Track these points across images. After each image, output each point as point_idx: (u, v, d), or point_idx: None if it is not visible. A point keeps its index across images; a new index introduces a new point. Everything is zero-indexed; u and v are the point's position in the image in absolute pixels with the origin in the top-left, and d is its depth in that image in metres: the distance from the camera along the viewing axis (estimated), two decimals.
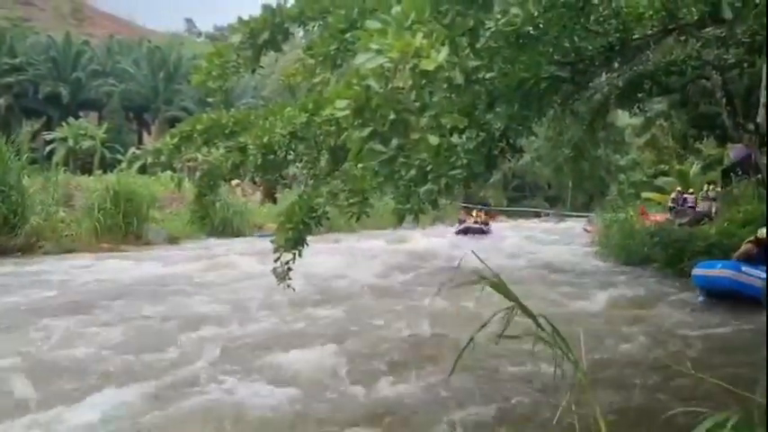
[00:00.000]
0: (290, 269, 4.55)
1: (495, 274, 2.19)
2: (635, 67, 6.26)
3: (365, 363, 6.34)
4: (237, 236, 24.55)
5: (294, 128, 4.23)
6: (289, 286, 4.62)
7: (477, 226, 29.47)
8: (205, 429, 4.66)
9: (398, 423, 4.97)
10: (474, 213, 32.19)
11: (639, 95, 7.18)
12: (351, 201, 3.67)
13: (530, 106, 3.22)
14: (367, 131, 1.89)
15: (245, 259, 15.05)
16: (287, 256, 4.46)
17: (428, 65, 1.59)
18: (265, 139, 4.32)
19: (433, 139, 1.95)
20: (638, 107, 10.45)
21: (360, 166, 3.28)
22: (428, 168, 2.80)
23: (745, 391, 2.50)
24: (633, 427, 4.64)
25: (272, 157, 4.36)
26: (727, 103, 14.26)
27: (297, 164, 4.79)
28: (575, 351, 2.18)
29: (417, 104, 1.84)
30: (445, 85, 1.85)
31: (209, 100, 4.35)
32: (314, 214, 4.25)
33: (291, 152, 4.42)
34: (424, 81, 1.66)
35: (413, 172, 2.78)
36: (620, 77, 6.33)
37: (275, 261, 4.51)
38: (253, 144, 4.38)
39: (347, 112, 1.88)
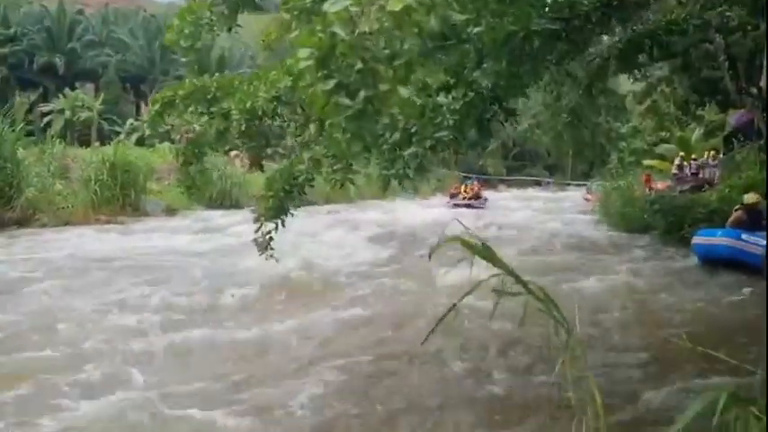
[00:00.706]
0: (271, 239, 4.42)
1: (483, 241, 2.07)
2: (634, 27, 6.06)
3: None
4: (236, 207, 24.42)
5: (278, 92, 4.07)
6: (271, 257, 4.50)
7: (464, 202, 27.26)
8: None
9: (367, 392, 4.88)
10: (463, 188, 29.42)
11: (639, 57, 6.97)
12: (335, 168, 3.52)
13: (519, 62, 3.05)
14: (332, 83, 1.75)
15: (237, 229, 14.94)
16: (269, 226, 4.33)
17: (395, 5, 1.44)
18: (248, 104, 4.16)
19: (404, 92, 1.81)
20: (639, 71, 10.24)
21: (337, 131, 3.11)
22: (413, 130, 2.66)
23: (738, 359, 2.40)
24: (627, 397, 4.57)
25: (256, 123, 4.20)
26: (730, 66, 14.01)
27: (286, 130, 4.63)
28: (569, 320, 2.07)
29: (387, 52, 1.70)
30: (416, 30, 1.70)
31: (183, 60, 4.17)
32: (295, 181, 4.10)
33: (277, 117, 4.27)
34: (392, 25, 1.51)
35: (397, 135, 2.64)
36: (619, 38, 6.13)
37: (256, 231, 4.38)
38: (236, 109, 4.22)
39: (310, 62, 1.73)
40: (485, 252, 2.05)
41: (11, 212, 17.37)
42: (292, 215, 4.38)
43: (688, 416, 2.00)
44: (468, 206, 26.08)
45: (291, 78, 4.00)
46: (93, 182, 19.99)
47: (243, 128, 4.24)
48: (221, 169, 25.48)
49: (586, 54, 5.09)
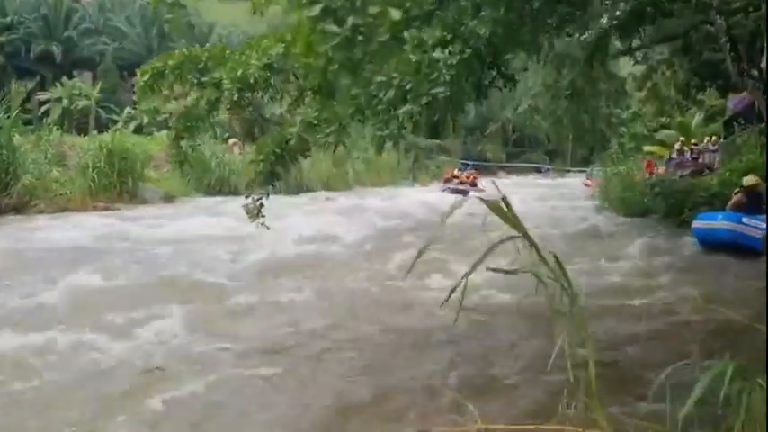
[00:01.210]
0: (262, 205, 4.31)
1: (503, 196, 1.97)
2: None
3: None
4: (234, 194, 24.33)
5: (270, 59, 3.96)
6: (262, 224, 4.39)
7: (460, 187, 25.27)
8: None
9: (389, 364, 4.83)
10: (456, 172, 28.13)
11: (642, 27, 6.83)
12: (327, 130, 3.41)
13: (520, 22, 2.92)
14: (318, 8, 1.65)
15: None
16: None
17: None
18: (239, 73, 4.05)
19: (395, 13, 1.71)
20: (639, 51, 10.10)
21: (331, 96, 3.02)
22: (408, 88, 2.56)
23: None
24: (625, 372, 4.50)
25: (248, 94, 4.09)
26: (731, 48, 13.84)
27: (278, 101, 4.52)
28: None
29: None
30: None
31: (167, 17, 4.05)
32: (287, 146, 3.98)
33: (270, 88, 4.16)
34: None
35: (391, 93, 2.54)
36: (621, 7, 6.01)
37: (246, 197, 4.28)
38: (228, 78, 4.11)
39: None
40: (504, 213, 1.95)
41: (8, 199, 17.31)
42: (280, 179, 4.26)
43: (700, 388, 1.94)
44: (462, 192, 24.19)
45: (284, 45, 3.91)
46: (90, 169, 19.91)
47: (235, 98, 4.14)
48: (219, 156, 25.40)
49: (586, 19, 4.97)
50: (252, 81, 4.05)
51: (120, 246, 11.27)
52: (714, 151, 19.74)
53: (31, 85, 42.86)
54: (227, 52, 4.53)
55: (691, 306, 6.26)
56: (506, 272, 2.00)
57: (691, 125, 24.68)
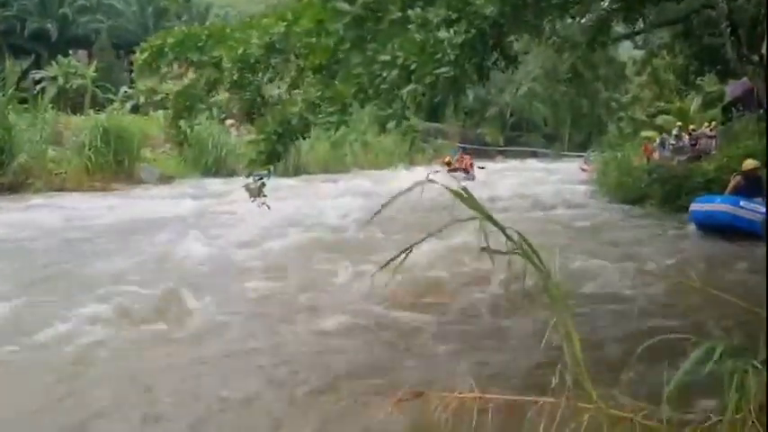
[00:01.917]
0: (263, 185, 4.29)
1: (463, 187, 1.99)
2: None
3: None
4: (231, 176, 24.26)
5: (271, 38, 3.92)
6: (264, 204, 4.37)
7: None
8: None
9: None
10: (449, 159, 26.38)
11: (644, 8, 6.79)
12: (329, 110, 3.38)
13: (524, 3, 2.89)
14: None
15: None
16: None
17: None
18: (240, 51, 4.01)
19: None
20: (640, 35, 10.05)
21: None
22: (412, 68, 2.54)
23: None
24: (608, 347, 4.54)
25: (249, 74, 4.05)
26: (732, 33, 13.77)
27: (277, 82, 4.49)
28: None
29: None
30: None
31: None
32: (288, 125, 3.95)
33: (270, 68, 4.12)
34: None
35: (395, 72, 2.52)
36: None
37: (247, 177, 4.26)
38: (228, 57, 4.07)
39: None
40: (469, 201, 1.97)
41: (3, 178, 17.24)
42: (281, 159, 4.23)
43: (686, 367, 1.95)
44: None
45: (285, 24, 3.86)
46: (86, 148, 19.81)
47: (235, 77, 4.10)
48: (217, 137, 25.27)
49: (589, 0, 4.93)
50: (252, 61, 4.03)
51: None
52: (711, 137, 19.72)
53: (25, 63, 42.45)
54: (228, 30, 4.49)
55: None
56: (500, 253, 2.00)
57: (689, 110, 24.64)
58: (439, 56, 2.48)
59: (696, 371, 1.80)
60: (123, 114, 25.01)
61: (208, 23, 4.89)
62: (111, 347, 4.72)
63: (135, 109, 34.78)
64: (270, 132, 3.94)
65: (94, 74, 41.79)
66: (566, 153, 39.50)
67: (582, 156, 32.77)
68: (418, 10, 2.39)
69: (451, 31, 2.45)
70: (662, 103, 25.66)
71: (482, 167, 25.77)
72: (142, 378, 4.20)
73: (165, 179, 22.10)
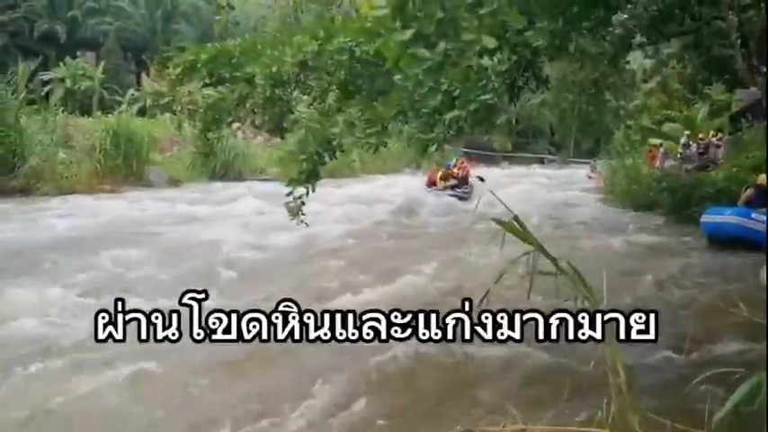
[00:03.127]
0: (303, 203, 4.36)
1: (513, 215, 2.04)
2: None
3: None
4: (238, 179, 24.36)
5: (305, 56, 4.00)
6: (302, 221, 4.45)
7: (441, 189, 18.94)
8: None
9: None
10: (441, 175, 20.22)
11: (669, 26, 6.85)
12: (368, 131, 3.46)
13: (574, 22, 2.97)
14: (409, 34, 1.68)
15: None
16: (300, 191, 4.26)
17: None
18: (274, 69, 4.09)
19: (489, 41, 1.75)
20: (650, 45, 10.09)
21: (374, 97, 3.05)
22: (456, 94, 2.61)
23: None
24: (656, 372, 4.57)
25: (279, 90, 4.13)
26: (742, 44, 13.83)
27: (304, 97, 4.57)
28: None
29: (470, 0, 1.64)
30: None
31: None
32: (329, 145, 4.03)
33: (301, 84, 4.20)
34: None
35: (439, 97, 2.58)
36: (646, 7, 6.04)
37: (287, 195, 4.33)
38: (261, 74, 4.15)
39: (385, 11, 1.67)
40: (520, 232, 2.03)
41: (14, 181, 17.32)
42: (319, 178, 4.30)
43: (734, 401, 1.99)
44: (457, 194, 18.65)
45: (318, 43, 3.95)
46: (96, 151, 19.92)
47: (267, 94, 4.19)
48: (224, 141, 25.34)
49: (617, 20, 4.99)
50: (285, 78, 4.11)
51: None
52: (718, 146, 19.76)
53: (34, 65, 42.52)
54: (259, 46, 4.58)
55: None
56: (550, 273, 2.07)
57: (696, 119, 24.65)
58: (483, 83, 2.55)
59: (746, 403, 1.84)
60: (131, 117, 25.12)
61: (239, 40, 4.95)
62: None
63: (142, 111, 34.89)
64: (312, 153, 4.01)
65: (102, 76, 41.91)
66: (572, 160, 39.51)
67: (588, 163, 32.80)
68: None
69: (495, 58, 2.52)
70: (669, 112, 25.69)
71: (482, 179, 19.71)
72: None
73: (174, 182, 22.20)
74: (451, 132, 2.86)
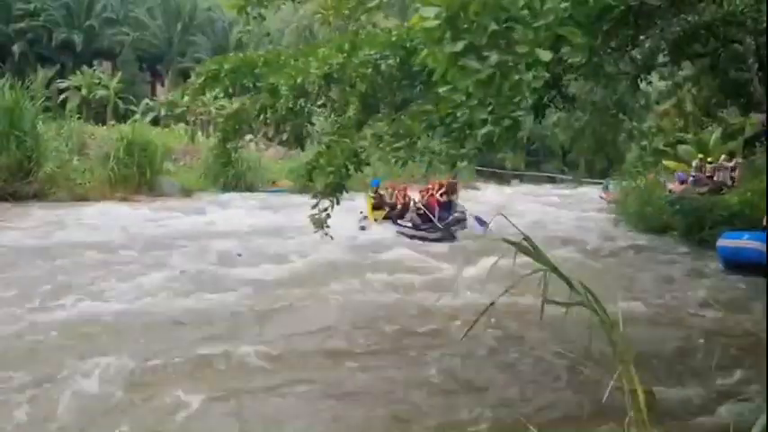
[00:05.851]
0: (328, 216, 4.35)
1: (525, 236, 2.01)
2: (689, 18, 5.94)
3: None
4: (250, 191, 24.42)
5: (330, 68, 4.00)
6: (326, 234, 4.43)
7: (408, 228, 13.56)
8: None
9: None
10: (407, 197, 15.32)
11: (694, 47, 6.86)
12: (396, 145, 3.44)
13: (604, 40, 2.96)
14: (461, 45, 1.66)
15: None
16: (324, 203, 4.24)
17: None
18: (299, 80, 4.10)
19: (545, 54, 1.72)
20: (666, 67, 10.06)
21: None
22: (489, 109, 2.58)
23: None
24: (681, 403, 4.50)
25: (302, 100, 4.14)
26: (760, 68, 13.81)
27: (324, 109, 4.57)
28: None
29: (526, 12, 1.62)
30: None
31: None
32: (356, 159, 4.02)
33: (323, 96, 4.21)
34: None
35: (479, 113, 2.55)
36: (672, 29, 6.02)
37: (313, 207, 4.31)
38: (285, 85, 4.15)
39: (437, 21, 1.64)
40: (533, 252, 1.99)
41: (29, 186, 17.46)
42: (346, 191, 4.30)
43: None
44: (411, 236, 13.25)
45: (344, 55, 3.95)
46: (110, 159, 20.05)
47: (290, 104, 4.19)
48: (237, 153, 25.43)
49: (642, 40, 5.00)
50: (309, 89, 4.11)
51: None
52: (728, 169, 19.61)
53: (51, 72, 43.02)
54: (282, 58, 4.59)
55: None
56: (563, 304, 2.02)
57: (709, 142, 24.52)
58: (517, 99, 2.52)
59: None
60: (145, 126, 25.31)
61: (262, 51, 4.97)
62: None
63: (155, 121, 35.17)
64: (339, 166, 4.00)
65: (117, 85, 42.33)
66: (584, 180, 39.33)
67: (600, 183, 32.62)
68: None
69: (530, 74, 2.49)
70: (682, 134, 25.56)
71: (483, 222, 13.90)
72: None
73: (186, 192, 22.27)
74: (483, 148, 2.85)
